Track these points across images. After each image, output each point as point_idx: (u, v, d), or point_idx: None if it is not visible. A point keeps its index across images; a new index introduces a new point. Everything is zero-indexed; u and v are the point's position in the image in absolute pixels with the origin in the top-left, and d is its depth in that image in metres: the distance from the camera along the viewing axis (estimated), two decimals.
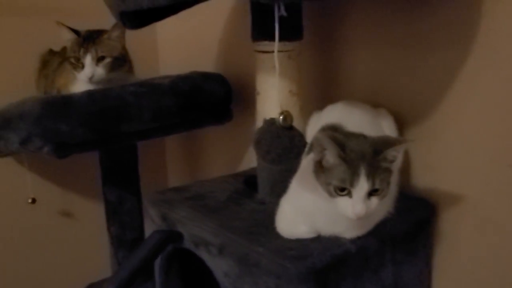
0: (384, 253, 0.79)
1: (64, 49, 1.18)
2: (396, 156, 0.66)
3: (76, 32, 1.00)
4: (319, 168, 0.67)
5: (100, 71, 0.97)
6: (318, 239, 0.74)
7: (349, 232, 0.73)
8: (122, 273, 0.79)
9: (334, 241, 0.73)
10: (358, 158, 0.64)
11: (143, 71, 1.15)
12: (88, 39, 0.97)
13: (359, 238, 0.74)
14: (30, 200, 1.26)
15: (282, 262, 0.68)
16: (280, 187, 0.90)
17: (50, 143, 0.88)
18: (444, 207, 0.90)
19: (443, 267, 0.93)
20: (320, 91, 1.05)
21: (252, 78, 1.23)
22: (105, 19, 1.24)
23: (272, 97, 0.86)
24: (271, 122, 0.63)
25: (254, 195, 0.96)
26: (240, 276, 0.75)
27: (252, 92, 1.25)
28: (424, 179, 0.92)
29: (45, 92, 1.15)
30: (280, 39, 0.83)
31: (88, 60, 0.95)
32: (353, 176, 0.63)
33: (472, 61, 0.81)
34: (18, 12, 1.23)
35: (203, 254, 0.84)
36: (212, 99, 1.08)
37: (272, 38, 0.83)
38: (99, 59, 0.97)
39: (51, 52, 1.21)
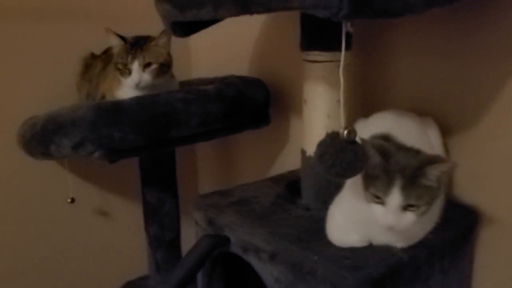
0: (434, 261, 0.80)
1: (106, 53, 1.21)
2: (439, 176, 0.66)
3: (123, 38, 1.02)
4: (365, 173, 0.69)
5: (146, 77, 0.99)
6: (371, 248, 0.75)
7: (400, 241, 0.74)
8: (177, 276, 0.81)
9: (386, 250, 0.74)
10: (398, 170, 0.65)
11: (175, 73, 1.17)
12: (136, 45, 0.99)
13: (410, 247, 0.75)
14: (69, 200, 1.29)
15: (338, 271, 0.69)
16: (325, 194, 0.92)
17: (102, 149, 0.90)
18: (487, 216, 0.91)
19: (484, 274, 0.94)
20: (363, 98, 1.05)
21: (284, 81, 1.26)
22: (143, 23, 1.28)
23: (320, 106, 0.88)
24: (334, 136, 0.64)
25: (297, 201, 0.98)
26: (293, 283, 0.76)
27: (285, 95, 1.27)
28: (468, 187, 0.93)
29: (87, 95, 1.17)
30: (330, 49, 0.84)
31: (135, 66, 0.97)
32: (388, 187, 0.65)
33: None
34: (59, 15, 1.25)
35: (252, 259, 0.86)
36: (254, 104, 1.10)
37: (322, 48, 0.85)
38: (145, 65, 0.98)
39: (93, 55, 1.23)
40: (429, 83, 0.95)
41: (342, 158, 0.62)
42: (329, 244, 0.77)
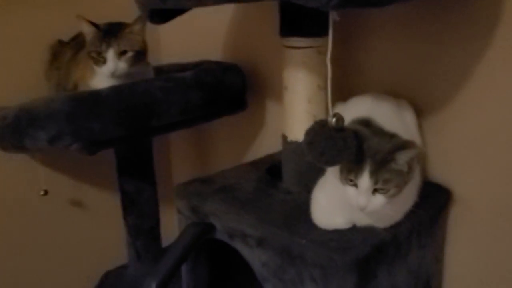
0: (412, 239, 0.84)
1: (74, 39, 1.17)
2: (408, 161, 0.69)
3: (95, 25, 0.98)
4: None
5: (122, 65, 0.96)
6: (355, 230, 0.78)
7: (382, 222, 0.77)
8: (165, 266, 0.81)
9: (370, 231, 0.77)
10: (369, 155, 0.69)
11: None
12: (109, 33, 0.95)
13: (391, 227, 0.79)
14: (42, 192, 1.25)
15: (327, 254, 0.72)
16: (306, 178, 0.94)
17: (80, 141, 0.88)
18: (458, 193, 0.96)
19: (455, 246, 0.99)
20: (339, 82, 1.07)
21: (258, 65, 1.26)
22: (113, 8, 1.24)
23: (300, 92, 0.89)
24: (322, 124, 0.66)
25: (279, 185, 0.99)
26: (282, 266, 0.79)
27: (260, 79, 1.27)
28: (441, 166, 0.97)
29: (57, 84, 1.13)
30: (311, 35, 0.85)
31: (110, 54, 0.94)
32: (359, 170, 0.69)
33: (493, 52, 0.85)
34: (25, 1, 1.19)
35: (238, 245, 0.87)
36: (231, 90, 1.10)
37: (302, 35, 0.85)
38: (121, 53, 0.96)
39: (60, 43, 1.18)
40: (403, 66, 0.98)
41: (332, 145, 0.64)
42: (314, 227, 0.79)
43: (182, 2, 0.68)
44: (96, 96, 0.89)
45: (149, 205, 1.24)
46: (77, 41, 1.14)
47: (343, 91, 1.01)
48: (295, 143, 0.92)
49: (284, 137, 0.94)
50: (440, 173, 0.97)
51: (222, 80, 1.07)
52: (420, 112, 0.96)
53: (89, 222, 1.41)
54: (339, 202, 0.78)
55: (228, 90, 1.09)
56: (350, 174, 0.69)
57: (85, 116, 0.87)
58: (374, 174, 0.67)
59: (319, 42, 0.85)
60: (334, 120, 0.64)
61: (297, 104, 0.89)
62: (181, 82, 0.98)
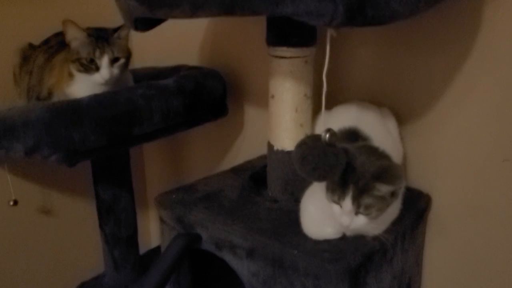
0: (397, 244, 0.86)
1: (46, 43, 1.12)
2: (390, 191, 0.71)
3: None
4: None
5: (115, 72, 0.94)
6: (345, 239, 0.79)
7: (370, 232, 0.79)
8: (153, 279, 0.79)
9: (359, 240, 0.78)
10: (352, 180, 0.70)
11: None
12: (101, 39, 0.92)
13: (379, 234, 0.80)
14: (11, 203, 1.19)
15: (320, 263, 0.72)
16: (293, 186, 0.94)
17: (60, 152, 0.85)
18: (437, 197, 0.99)
19: (434, 251, 1.03)
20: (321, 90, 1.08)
21: (236, 70, 1.25)
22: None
23: (287, 100, 0.89)
24: (315, 139, 0.66)
25: (264, 192, 0.99)
26: (273, 276, 0.79)
27: (238, 85, 1.26)
28: (421, 172, 1.00)
29: (28, 89, 1.08)
30: (298, 45, 0.85)
31: (105, 61, 0.91)
32: (342, 194, 0.71)
33: (470, 61, 0.88)
34: None
35: (226, 256, 0.87)
36: (213, 96, 1.08)
37: (290, 44, 0.85)
38: (113, 60, 0.93)
39: (31, 46, 1.13)
40: (383, 74, 1.00)
41: (324, 161, 0.64)
42: (305, 237, 0.80)
43: (174, 13, 0.66)
44: (76, 105, 0.85)
45: (126, 213, 1.20)
46: (50, 45, 1.10)
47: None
48: (282, 152, 0.92)
49: (270, 146, 0.94)
50: (420, 179, 1.00)
51: (203, 86, 1.05)
52: (400, 119, 0.98)
53: (62, 232, 1.36)
54: (329, 213, 0.78)
55: (209, 96, 1.07)
56: (334, 195, 0.71)
57: (65, 126, 0.84)
58: (356, 199, 0.69)
59: (306, 52, 0.86)
60: (327, 135, 0.65)
61: (284, 113, 0.89)
62: (163, 89, 0.96)
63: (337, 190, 0.70)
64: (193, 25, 1.32)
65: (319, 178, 0.68)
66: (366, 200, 0.69)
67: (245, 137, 1.34)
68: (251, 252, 0.82)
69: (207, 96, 1.06)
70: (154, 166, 1.62)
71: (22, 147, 0.84)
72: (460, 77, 0.91)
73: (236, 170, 1.13)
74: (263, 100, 1.25)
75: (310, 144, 0.66)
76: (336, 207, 0.72)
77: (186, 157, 1.51)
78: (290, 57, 0.85)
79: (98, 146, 0.88)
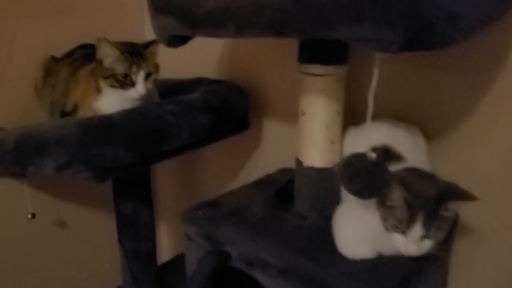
0: (430, 264, 0.85)
1: (70, 56, 1.11)
2: (457, 207, 0.70)
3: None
4: (381, 201, 0.72)
5: (149, 87, 0.94)
6: (382, 260, 0.78)
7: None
8: None
9: (397, 260, 0.78)
10: (419, 204, 0.68)
11: None
12: (135, 55, 0.92)
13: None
14: (29, 216, 1.18)
15: (359, 285, 0.72)
16: (322, 203, 0.94)
17: (91, 169, 0.84)
18: (464, 215, 0.99)
19: (459, 269, 1.03)
20: (348, 106, 1.08)
21: (256, 84, 1.25)
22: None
23: (319, 118, 0.89)
24: (361, 159, 0.66)
25: (290, 209, 0.99)
26: None
27: (259, 98, 1.26)
28: None
29: (51, 103, 1.07)
30: (331, 63, 0.85)
31: (140, 77, 0.91)
32: (410, 221, 0.68)
33: (503, 80, 0.88)
34: (16, 13, 1.12)
35: (257, 274, 0.86)
36: (237, 110, 1.08)
37: (323, 62, 0.85)
38: (147, 75, 0.93)
39: (54, 59, 1.12)
40: (411, 91, 1.00)
41: (372, 180, 0.64)
42: (340, 256, 0.79)
43: (217, 33, 0.66)
44: (108, 121, 0.85)
45: (146, 228, 1.19)
46: (74, 58, 1.09)
47: (352, 114, 1.02)
48: (311, 169, 0.92)
49: (299, 162, 0.94)
50: None
51: (229, 102, 1.05)
52: (427, 137, 0.98)
53: (79, 245, 1.35)
54: (365, 232, 0.78)
55: (234, 111, 1.07)
56: (399, 224, 0.68)
57: (97, 143, 0.83)
58: (426, 224, 0.67)
59: (339, 70, 0.86)
60: (374, 155, 0.64)
61: (315, 130, 0.89)
62: (191, 105, 0.95)
63: (402, 217, 0.68)
64: (211, 41, 1.32)
65: (369, 197, 0.67)
66: (437, 223, 0.67)
67: (263, 150, 1.33)
68: (284, 271, 0.81)
69: (232, 112, 1.06)
70: (166, 178, 1.61)
71: (54, 164, 0.83)
72: (492, 95, 0.91)
73: (258, 185, 1.13)
74: (283, 113, 1.25)
75: (356, 164, 0.65)
76: (398, 236, 0.70)
77: (199, 169, 1.50)
78: (323, 75, 0.85)
79: (128, 163, 0.87)
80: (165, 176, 1.60)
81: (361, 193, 0.65)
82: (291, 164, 1.22)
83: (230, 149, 1.38)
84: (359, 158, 0.66)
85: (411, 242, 0.69)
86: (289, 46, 1.08)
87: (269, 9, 0.58)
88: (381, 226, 0.73)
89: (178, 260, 1.41)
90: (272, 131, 1.29)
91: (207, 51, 1.35)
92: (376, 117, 0.97)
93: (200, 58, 1.37)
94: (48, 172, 0.85)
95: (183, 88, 1.22)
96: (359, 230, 0.79)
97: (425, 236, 0.69)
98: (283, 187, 1.07)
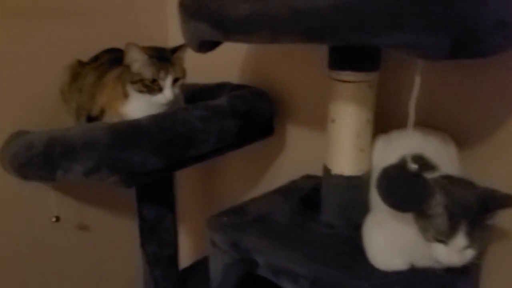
0: (464, 275, 0.83)
1: (96, 60, 1.11)
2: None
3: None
4: (420, 211, 0.69)
5: (176, 92, 0.94)
6: (415, 271, 0.76)
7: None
8: None
9: (430, 272, 0.75)
10: (461, 213, 0.65)
11: None
12: (163, 60, 0.92)
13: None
14: (54, 219, 1.18)
15: None
16: (350, 212, 0.92)
17: (119, 174, 0.83)
18: (498, 224, 0.96)
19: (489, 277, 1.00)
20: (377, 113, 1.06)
21: (280, 89, 1.23)
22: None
23: (349, 125, 0.87)
24: (400, 170, 0.64)
25: (316, 217, 0.97)
26: None
27: (282, 104, 1.25)
28: None
29: (77, 107, 1.08)
30: (363, 70, 0.84)
31: (168, 82, 0.91)
32: (452, 231, 0.65)
33: None
34: (41, 16, 1.13)
35: (285, 283, 0.84)
36: (263, 117, 1.07)
37: (354, 69, 0.84)
38: (174, 81, 0.93)
39: (80, 63, 1.13)
40: (442, 98, 0.98)
41: (412, 192, 0.62)
42: (371, 268, 0.78)
43: (251, 39, 0.65)
44: (136, 126, 0.84)
45: (169, 233, 1.19)
46: (100, 63, 1.09)
47: (382, 121, 1.00)
48: (340, 177, 0.90)
49: (327, 170, 0.92)
50: None
51: (255, 107, 1.04)
52: (459, 145, 0.96)
53: (101, 249, 1.35)
54: (398, 243, 0.76)
55: (260, 117, 1.06)
56: (441, 235, 0.66)
57: (125, 148, 0.82)
58: (469, 234, 0.64)
59: (370, 77, 0.84)
60: (414, 166, 0.63)
61: (345, 138, 0.87)
62: (218, 111, 0.95)
63: (443, 226, 0.65)
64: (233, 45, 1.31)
65: (408, 210, 0.65)
66: (480, 232, 0.65)
67: (286, 156, 1.32)
68: (314, 282, 0.79)
69: (258, 117, 1.05)
70: (187, 183, 1.61)
71: (82, 169, 0.83)
72: None
73: (282, 192, 1.11)
74: (307, 119, 1.24)
75: (395, 175, 0.63)
76: (439, 247, 0.67)
77: (220, 174, 1.49)
78: (354, 82, 0.84)
79: (155, 168, 0.87)
80: (185, 180, 1.59)
81: (400, 206, 0.63)
82: (314, 170, 1.21)
83: (252, 155, 1.37)
84: (399, 169, 0.64)
85: (454, 253, 0.66)
86: (316, 51, 1.06)
87: (307, 15, 0.57)
88: (416, 236, 0.71)
89: (199, 266, 1.40)
90: (295, 137, 1.27)
91: (230, 56, 1.34)
92: (405, 124, 0.97)
93: (223, 62, 1.36)
94: (77, 177, 0.85)
95: (207, 92, 1.22)
96: (392, 240, 0.77)
97: (468, 246, 0.66)
98: (308, 195, 1.06)
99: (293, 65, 1.20)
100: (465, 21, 0.50)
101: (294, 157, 1.30)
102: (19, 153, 0.93)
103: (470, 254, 0.67)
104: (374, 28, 0.53)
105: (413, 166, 0.63)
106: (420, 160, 0.81)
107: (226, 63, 1.35)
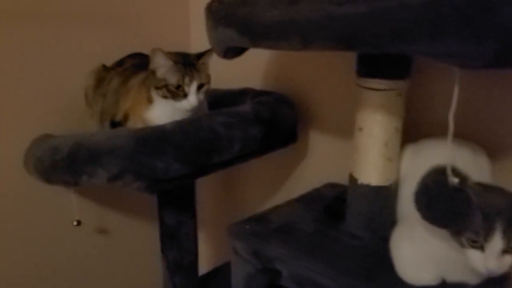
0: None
1: (121, 65, 1.12)
2: None
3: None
4: None
5: (201, 98, 0.93)
6: (446, 286, 0.74)
7: (475, 278, 0.73)
8: None
9: (462, 287, 0.73)
10: (496, 214, 0.63)
11: None
12: (188, 65, 0.91)
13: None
14: (75, 223, 1.19)
15: None
16: (376, 223, 0.90)
17: (142, 180, 0.83)
18: None
19: None
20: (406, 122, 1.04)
21: (303, 95, 1.22)
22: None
23: (377, 134, 0.85)
24: (440, 183, 0.61)
25: (341, 227, 0.95)
26: None
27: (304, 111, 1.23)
28: None
29: (101, 112, 1.08)
30: (392, 78, 0.82)
31: (193, 88, 0.90)
32: (488, 232, 0.63)
33: None
34: (66, 21, 1.14)
35: None
36: (286, 124, 1.06)
37: (384, 76, 0.81)
38: (199, 87, 0.92)
39: (105, 68, 1.13)
40: (472, 107, 0.95)
41: (454, 208, 0.59)
42: (400, 282, 0.75)
43: (280, 45, 0.64)
44: (161, 132, 0.84)
45: (189, 239, 1.18)
46: (124, 68, 1.09)
47: (408, 130, 0.98)
48: (367, 186, 0.88)
49: (353, 179, 0.90)
50: None
51: (278, 114, 1.03)
52: (491, 157, 0.93)
53: (121, 254, 1.35)
54: (429, 256, 0.74)
55: (283, 124, 1.05)
56: (476, 236, 0.63)
57: (150, 154, 0.82)
58: (506, 235, 0.61)
59: (400, 85, 0.82)
60: (456, 180, 0.60)
61: (373, 147, 0.85)
62: (242, 117, 0.94)
63: (478, 228, 0.62)
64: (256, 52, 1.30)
65: (448, 227, 0.62)
66: None
67: (308, 164, 1.30)
68: None
69: (282, 125, 1.04)
70: (206, 189, 1.60)
71: (106, 174, 0.83)
72: None
73: (305, 200, 1.10)
74: (330, 126, 1.22)
75: (436, 189, 0.61)
76: (475, 252, 0.64)
77: (241, 181, 1.48)
78: (384, 90, 0.82)
79: (179, 174, 0.86)
80: (205, 186, 1.59)
81: (440, 222, 0.60)
82: (337, 178, 1.19)
83: (273, 161, 1.35)
84: (439, 182, 0.61)
85: (491, 258, 0.62)
86: (342, 56, 1.05)
87: (341, 22, 0.55)
88: (449, 248, 0.68)
89: (218, 272, 1.39)
90: (318, 144, 1.25)
91: (252, 61, 1.32)
92: (436, 134, 0.94)
93: (245, 68, 1.35)
94: (101, 182, 0.85)
95: (229, 98, 1.21)
96: (422, 253, 0.74)
97: (506, 251, 0.63)
98: (332, 204, 1.04)
99: (317, 71, 1.19)
100: (509, 30, 0.47)
101: (316, 165, 1.28)
102: (44, 157, 0.93)
103: (508, 261, 0.63)
104: (412, 36, 0.51)
105: (455, 180, 0.60)
106: (452, 171, 0.79)
107: (248, 69, 1.34)
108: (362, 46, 0.55)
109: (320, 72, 1.18)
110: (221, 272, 1.38)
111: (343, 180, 1.16)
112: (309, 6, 0.61)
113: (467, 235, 0.64)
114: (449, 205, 0.59)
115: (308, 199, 1.10)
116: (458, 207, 0.59)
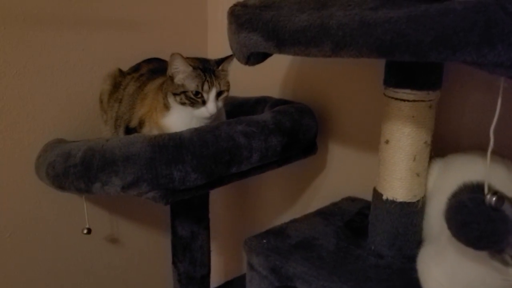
0: None
1: (137, 70, 1.09)
2: None
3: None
4: None
5: (220, 106, 0.90)
6: None
7: None
8: None
9: None
10: None
11: None
12: (208, 72, 0.88)
13: None
14: (85, 231, 1.15)
15: None
16: (401, 241, 0.85)
17: (158, 189, 0.79)
18: None
19: None
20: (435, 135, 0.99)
21: (323, 106, 1.18)
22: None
23: (405, 148, 0.81)
24: (477, 202, 0.57)
25: (364, 244, 0.90)
26: None
27: (324, 122, 1.19)
28: None
29: (116, 117, 1.05)
30: (423, 88, 0.78)
31: (212, 95, 0.87)
32: None
33: None
34: (81, 26, 1.12)
35: None
36: (307, 134, 1.02)
37: (414, 87, 0.77)
38: (218, 94, 0.89)
39: (121, 72, 1.10)
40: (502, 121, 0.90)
41: (492, 228, 0.55)
42: None
43: (309, 51, 0.60)
44: (178, 140, 0.80)
45: (202, 251, 1.14)
46: (141, 73, 1.07)
47: (437, 144, 0.93)
48: (393, 202, 0.83)
49: (378, 194, 0.86)
50: None
51: (299, 124, 0.99)
52: None
53: (132, 265, 1.31)
54: (461, 279, 0.69)
55: (304, 135, 1.01)
56: None
57: (166, 163, 0.78)
58: None
59: (431, 96, 0.78)
60: (494, 199, 0.56)
61: (400, 161, 0.81)
62: (262, 126, 0.90)
63: None
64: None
65: (484, 248, 0.58)
66: None
67: (326, 176, 1.25)
68: None
69: (302, 135, 1.00)
70: (220, 200, 1.56)
71: (120, 182, 0.79)
72: None
73: (324, 214, 1.05)
74: (351, 137, 1.17)
75: (473, 208, 0.56)
76: None
77: (255, 193, 1.44)
78: (413, 101, 0.77)
79: (196, 184, 0.82)
80: (219, 197, 1.55)
81: (476, 244, 0.56)
82: (356, 192, 1.15)
83: (290, 173, 1.31)
84: (475, 201, 0.57)
85: None
86: (367, 65, 1.01)
87: (379, 28, 0.51)
88: (483, 272, 0.64)
89: (229, 286, 1.34)
90: (337, 156, 1.21)
91: (271, 69, 1.29)
92: (460, 147, 0.89)
93: (263, 75, 1.32)
94: (114, 190, 0.81)
95: (248, 106, 1.18)
96: (453, 276, 0.69)
97: None
98: (353, 219, 0.99)
99: (338, 79, 1.15)
100: None
101: (335, 178, 1.23)
102: (56, 162, 0.90)
103: None
104: (458, 44, 0.47)
105: (492, 199, 0.56)
106: (483, 188, 0.74)
107: (266, 76, 1.31)
108: (401, 54, 0.52)
109: (342, 81, 1.14)
110: (232, 286, 1.33)
111: (363, 194, 1.12)
112: (341, 11, 0.58)
113: (509, 252, 0.59)
114: (486, 224, 0.55)
115: (328, 214, 1.05)
116: (496, 228, 0.55)
